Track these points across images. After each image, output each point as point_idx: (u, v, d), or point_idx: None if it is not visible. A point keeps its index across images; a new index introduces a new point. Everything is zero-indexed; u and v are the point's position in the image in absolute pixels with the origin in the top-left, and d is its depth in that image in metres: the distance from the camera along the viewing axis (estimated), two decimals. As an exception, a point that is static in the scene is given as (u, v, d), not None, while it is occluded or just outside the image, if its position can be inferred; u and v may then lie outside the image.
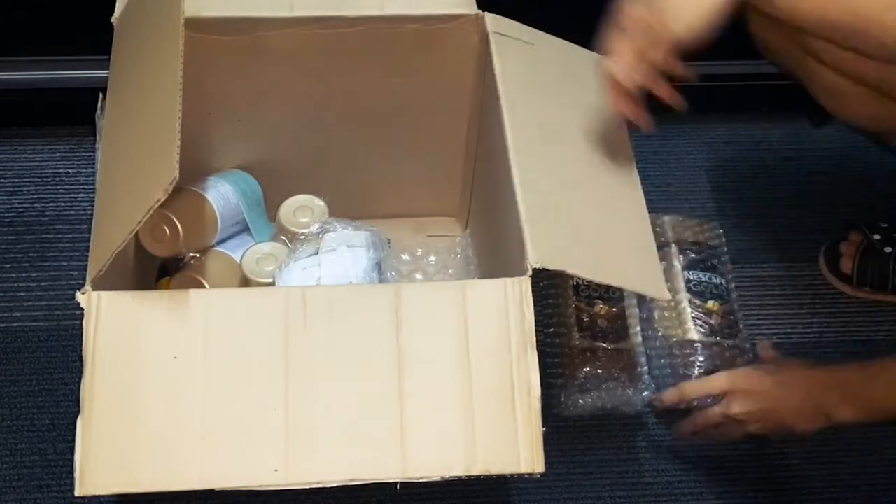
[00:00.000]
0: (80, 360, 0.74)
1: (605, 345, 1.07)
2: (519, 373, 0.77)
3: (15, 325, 1.13)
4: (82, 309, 0.75)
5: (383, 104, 1.07)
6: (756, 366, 1.05)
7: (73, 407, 1.06)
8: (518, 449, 0.75)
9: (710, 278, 1.12)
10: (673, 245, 1.14)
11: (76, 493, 0.72)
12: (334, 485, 0.73)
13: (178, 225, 0.95)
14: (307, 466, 0.73)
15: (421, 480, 0.74)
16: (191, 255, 1.02)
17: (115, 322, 0.76)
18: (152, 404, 0.74)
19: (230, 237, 1.06)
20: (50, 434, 1.05)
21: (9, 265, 1.17)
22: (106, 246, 0.76)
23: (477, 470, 0.74)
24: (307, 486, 0.73)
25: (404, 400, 0.75)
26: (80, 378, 0.88)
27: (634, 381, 1.06)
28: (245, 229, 1.07)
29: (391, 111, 1.07)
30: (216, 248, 1.04)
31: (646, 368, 1.08)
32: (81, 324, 0.75)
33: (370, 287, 0.82)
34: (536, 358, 0.77)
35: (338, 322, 0.78)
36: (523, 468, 0.75)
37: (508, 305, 0.79)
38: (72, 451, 0.70)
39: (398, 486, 0.74)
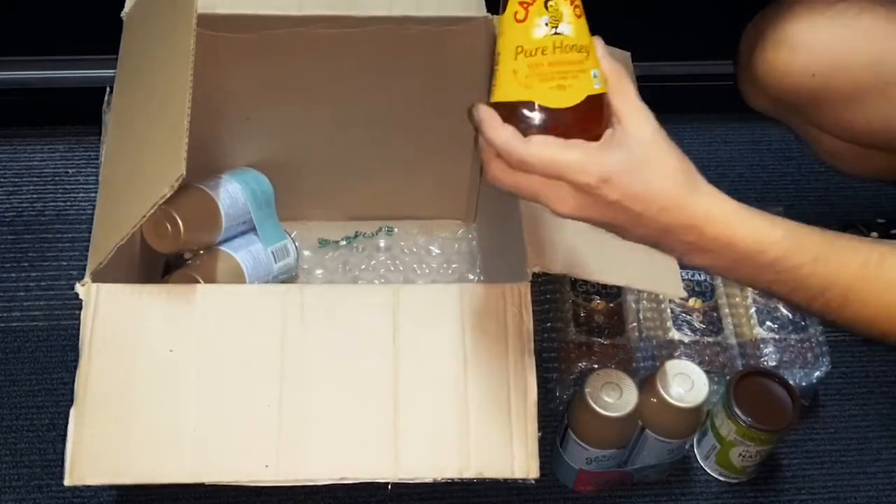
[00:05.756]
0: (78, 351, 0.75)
1: (601, 340, 1.07)
2: (516, 377, 0.77)
3: (14, 324, 1.13)
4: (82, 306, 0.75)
5: (391, 105, 1.06)
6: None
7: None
8: (513, 453, 0.75)
9: (692, 275, 1.12)
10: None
11: (65, 483, 0.72)
12: (324, 483, 0.73)
13: (180, 221, 0.95)
14: (298, 463, 0.73)
15: (413, 482, 0.74)
16: (191, 252, 1.02)
17: (112, 314, 0.76)
18: (146, 397, 0.74)
19: (236, 236, 1.06)
20: (50, 434, 1.05)
21: (8, 265, 1.17)
22: (108, 239, 0.76)
23: (470, 473, 0.74)
24: (297, 484, 0.73)
25: (399, 400, 0.75)
26: (79, 376, 0.88)
27: (630, 376, 1.06)
28: (252, 229, 1.07)
29: (399, 112, 1.07)
30: (219, 247, 1.04)
31: (642, 364, 1.08)
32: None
33: (369, 287, 0.82)
34: (534, 363, 0.77)
35: (335, 321, 0.78)
36: (517, 473, 0.75)
37: (507, 310, 0.78)
38: (72, 450, 0.71)
39: (389, 487, 0.74)
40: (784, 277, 0.68)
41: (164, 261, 1.07)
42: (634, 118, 0.66)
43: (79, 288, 0.76)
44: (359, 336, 0.78)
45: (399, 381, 0.76)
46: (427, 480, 0.74)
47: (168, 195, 0.73)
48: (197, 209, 1.01)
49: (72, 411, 0.73)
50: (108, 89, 0.89)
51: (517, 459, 0.75)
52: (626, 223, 0.66)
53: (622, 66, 0.66)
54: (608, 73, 0.65)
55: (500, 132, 0.64)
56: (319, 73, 1.02)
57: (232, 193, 1.04)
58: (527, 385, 0.77)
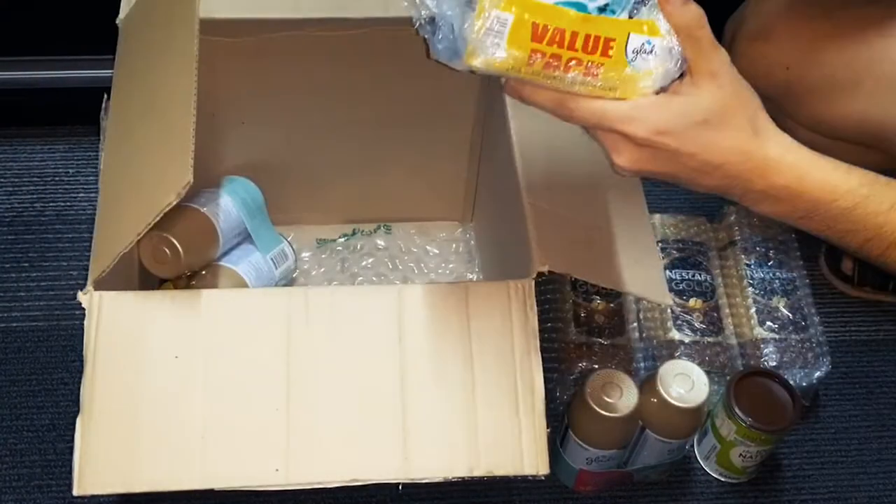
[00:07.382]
0: (81, 359, 0.74)
1: (601, 340, 1.07)
2: (522, 374, 0.77)
3: (15, 325, 1.13)
4: (83, 309, 0.75)
5: (387, 107, 1.06)
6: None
7: (73, 407, 1.05)
8: (522, 450, 0.75)
9: (692, 276, 1.12)
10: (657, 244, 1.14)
11: (74, 493, 0.72)
12: (335, 485, 0.73)
13: (178, 246, 0.94)
14: (308, 466, 0.73)
15: (423, 481, 0.74)
16: (193, 272, 1.01)
17: (116, 321, 0.76)
18: (153, 404, 0.74)
19: (233, 249, 1.05)
20: (50, 434, 1.05)
21: (8, 265, 1.17)
22: (110, 247, 0.76)
23: (480, 471, 0.74)
24: (308, 487, 0.73)
25: (407, 401, 0.75)
26: (80, 378, 0.87)
27: (630, 376, 1.06)
28: (247, 239, 1.06)
29: (395, 114, 1.07)
30: (220, 264, 1.03)
31: (642, 364, 1.08)
32: (81, 324, 0.75)
33: (373, 288, 0.82)
34: (540, 360, 0.77)
35: (340, 322, 0.78)
36: (527, 470, 0.75)
37: (512, 307, 0.79)
38: (72, 450, 0.70)
39: (400, 487, 0.74)
40: (859, 227, 0.67)
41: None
42: (703, 67, 0.65)
43: (81, 296, 0.76)
44: (364, 337, 0.77)
45: (406, 381, 0.76)
46: (437, 480, 0.74)
47: (174, 203, 0.72)
48: (193, 230, 0.99)
49: (78, 420, 0.73)
50: (105, 95, 0.89)
51: (526, 456, 0.75)
52: (688, 176, 0.66)
53: (699, 11, 0.65)
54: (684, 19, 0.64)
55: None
56: (315, 77, 1.02)
57: (224, 207, 1.02)
58: (534, 382, 0.77)
